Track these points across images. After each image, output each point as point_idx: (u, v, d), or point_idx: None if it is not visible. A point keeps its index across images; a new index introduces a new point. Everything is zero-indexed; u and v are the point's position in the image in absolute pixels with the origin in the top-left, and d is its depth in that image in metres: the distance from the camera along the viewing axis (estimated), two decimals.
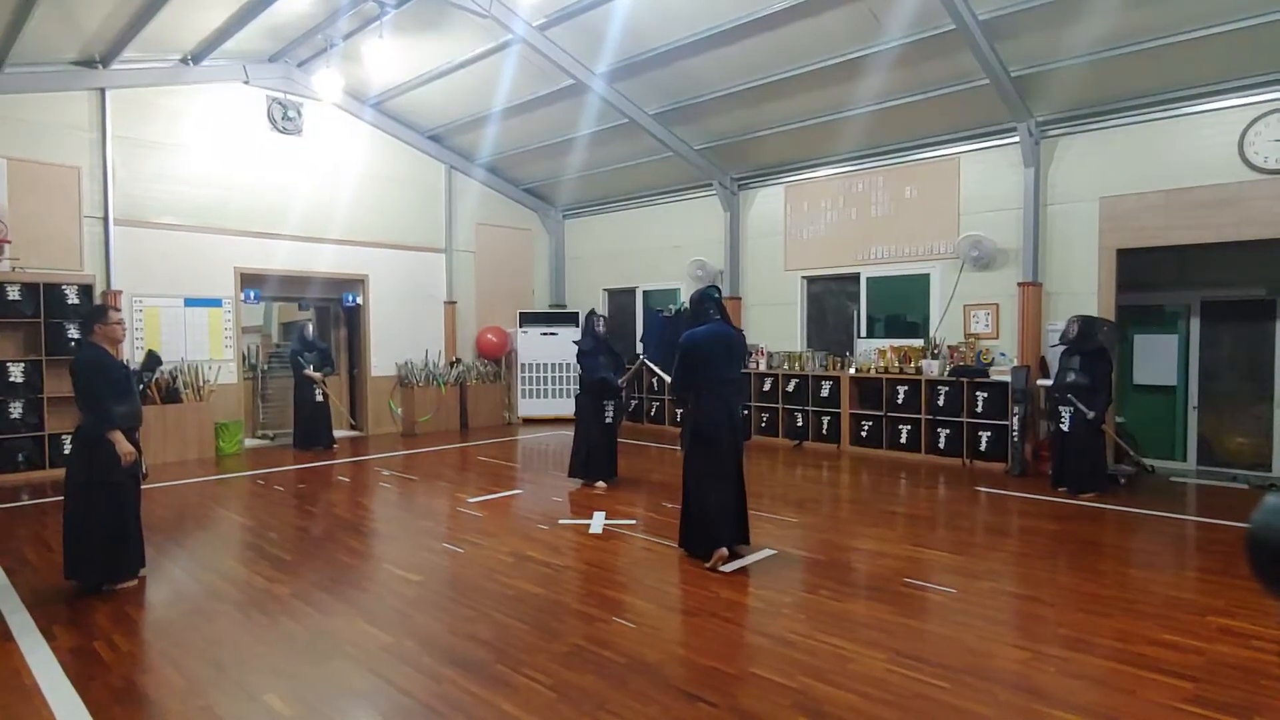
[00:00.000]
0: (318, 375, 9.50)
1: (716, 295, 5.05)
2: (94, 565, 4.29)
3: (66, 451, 5.33)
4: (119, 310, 5.25)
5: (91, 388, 4.24)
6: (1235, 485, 7.11)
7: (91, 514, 4.26)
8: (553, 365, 12.06)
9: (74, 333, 7.58)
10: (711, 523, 4.78)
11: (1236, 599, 4.12)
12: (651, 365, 8.12)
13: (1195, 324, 7.98)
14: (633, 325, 12.25)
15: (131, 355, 8.33)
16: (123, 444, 4.27)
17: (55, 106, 8.11)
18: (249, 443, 9.84)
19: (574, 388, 12.03)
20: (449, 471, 8.17)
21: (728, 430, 4.81)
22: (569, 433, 7.96)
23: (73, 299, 7.79)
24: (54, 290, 7.73)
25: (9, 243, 7.70)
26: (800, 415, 9.64)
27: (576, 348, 7.32)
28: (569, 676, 3.25)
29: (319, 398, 9.56)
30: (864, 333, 9.52)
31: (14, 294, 7.50)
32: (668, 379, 5.76)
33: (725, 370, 4.87)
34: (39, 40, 7.37)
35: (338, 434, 10.13)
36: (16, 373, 7.56)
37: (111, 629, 3.82)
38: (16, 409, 7.56)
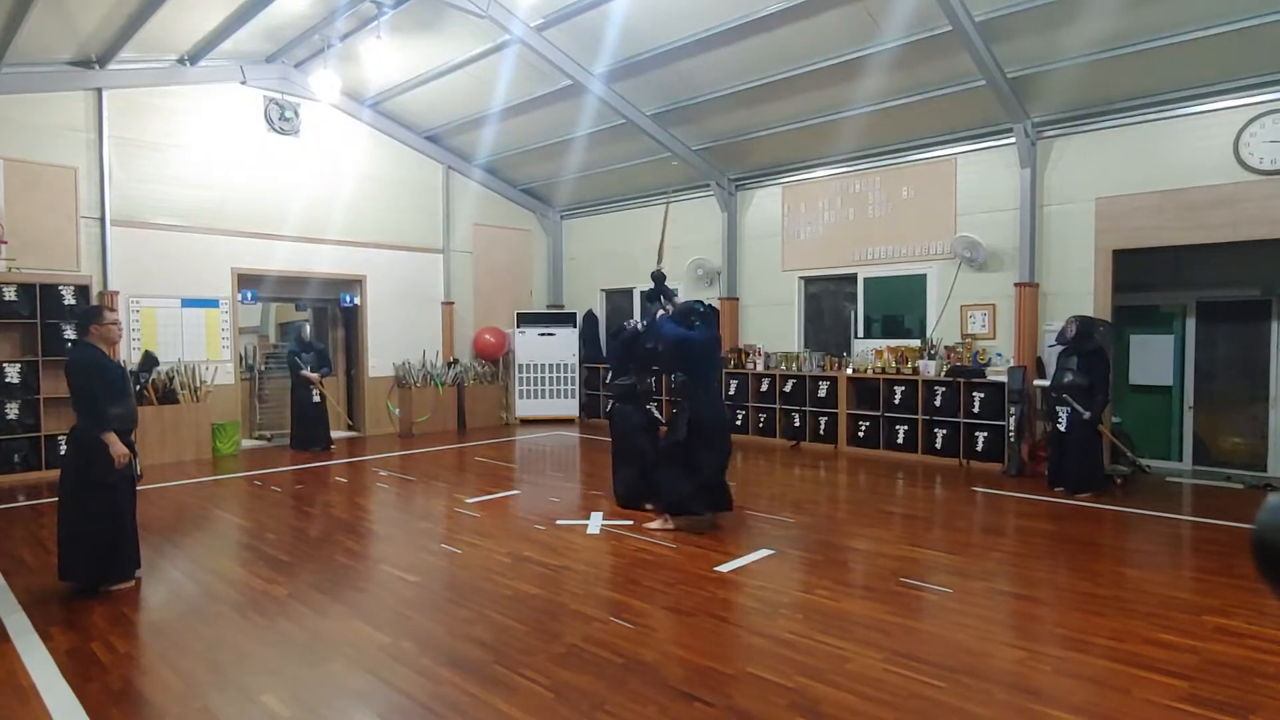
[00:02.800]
0: (315, 376, 9.48)
1: (701, 309, 5.75)
2: (89, 567, 4.28)
3: (62, 452, 5.32)
4: (114, 311, 5.25)
5: (87, 389, 4.22)
6: (1230, 485, 7.13)
7: (86, 515, 4.25)
8: (550, 366, 12.05)
9: (70, 333, 7.57)
10: (700, 488, 5.51)
11: (1232, 598, 4.14)
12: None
13: (1191, 324, 8.01)
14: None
15: (128, 356, 8.32)
16: (117, 445, 4.26)
17: (52, 107, 8.09)
18: (246, 443, 9.82)
19: (572, 388, 12.11)
20: (446, 472, 8.16)
21: (726, 421, 5.78)
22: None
23: (69, 300, 7.78)
24: (50, 291, 7.71)
25: (5, 243, 7.67)
26: (797, 415, 9.65)
27: (608, 352, 7.24)
28: (567, 677, 3.26)
29: (316, 398, 9.54)
30: (861, 333, 9.53)
31: (10, 294, 7.48)
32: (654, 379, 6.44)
33: (717, 370, 5.83)
34: (35, 40, 7.35)
35: (335, 435, 10.11)
36: (12, 373, 7.54)
37: (108, 630, 3.81)
38: (12, 410, 7.53)
